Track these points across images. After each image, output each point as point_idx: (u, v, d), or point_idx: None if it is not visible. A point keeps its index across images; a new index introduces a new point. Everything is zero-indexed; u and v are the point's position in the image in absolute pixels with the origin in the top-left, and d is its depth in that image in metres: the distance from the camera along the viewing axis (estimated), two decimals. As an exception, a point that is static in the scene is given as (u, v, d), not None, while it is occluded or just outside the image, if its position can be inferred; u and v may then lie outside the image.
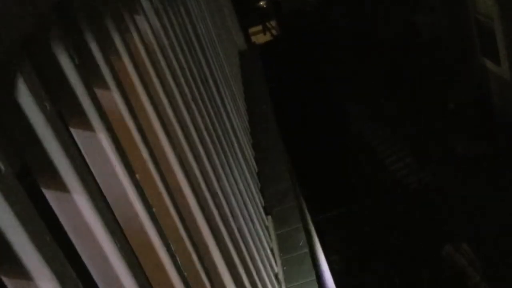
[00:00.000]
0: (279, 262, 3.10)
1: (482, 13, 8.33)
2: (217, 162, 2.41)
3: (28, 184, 0.85)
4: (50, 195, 0.90)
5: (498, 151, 7.74)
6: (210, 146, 2.36)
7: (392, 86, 8.99)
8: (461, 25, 8.83)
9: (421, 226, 7.15)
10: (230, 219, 2.30)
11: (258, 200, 3.45)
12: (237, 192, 2.72)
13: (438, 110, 8.69)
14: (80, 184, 0.92)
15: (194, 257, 1.53)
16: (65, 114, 1.04)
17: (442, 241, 6.75)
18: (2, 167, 0.72)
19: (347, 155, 8.64)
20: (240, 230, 2.43)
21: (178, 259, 1.30)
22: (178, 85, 2.06)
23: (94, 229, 0.96)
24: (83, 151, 1.08)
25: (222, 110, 3.19)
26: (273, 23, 10.33)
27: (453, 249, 6.62)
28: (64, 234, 0.97)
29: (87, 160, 1.08)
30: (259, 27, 10.08)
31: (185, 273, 1.35)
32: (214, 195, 2.11)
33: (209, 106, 2.67)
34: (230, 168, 2.75)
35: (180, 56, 2.29)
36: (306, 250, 3.16)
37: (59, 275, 0.78)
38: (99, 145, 1.08)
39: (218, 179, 2.30)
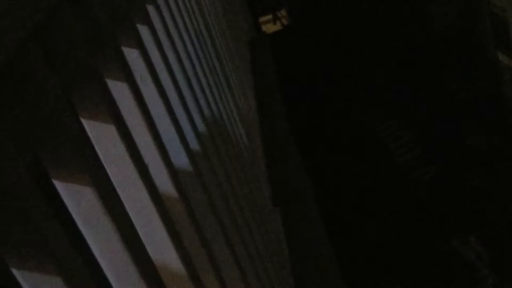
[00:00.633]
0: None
1: (497, 4, 8.24)
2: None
3: (38, 175, 0.84)
4: (61, 187, 0.89)
5: (509, 143, 7.69)
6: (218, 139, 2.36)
7: (404, 75, 8.92)
8: (475, 16, 8.76)
9: (428, 219, 7.13)
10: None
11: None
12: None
13: (449, 101, 8.63)
14: (91, 176, 0.91)
15: (204, 250, 1.52)
16: (77, 104, 1.03)
17: (450, 234, 6.73)
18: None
19: (353, 142, 8.59)
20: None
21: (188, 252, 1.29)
22: (186, 76, 2.05)
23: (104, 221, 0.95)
24: (94, 143, 1.07)
25: (231, 102, 3.17)
26: (283, 12, 10.26)
27: (461, 242, 6.60)
28: (74, 225, 0.96)
29: (98, 152, 1.07)
30: (269, 16, 10.01)
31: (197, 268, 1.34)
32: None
33: (217, 98, 2.67)
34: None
35: (190, 48, 2.28)
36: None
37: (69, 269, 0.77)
38: (111, 136, 1.07)
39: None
